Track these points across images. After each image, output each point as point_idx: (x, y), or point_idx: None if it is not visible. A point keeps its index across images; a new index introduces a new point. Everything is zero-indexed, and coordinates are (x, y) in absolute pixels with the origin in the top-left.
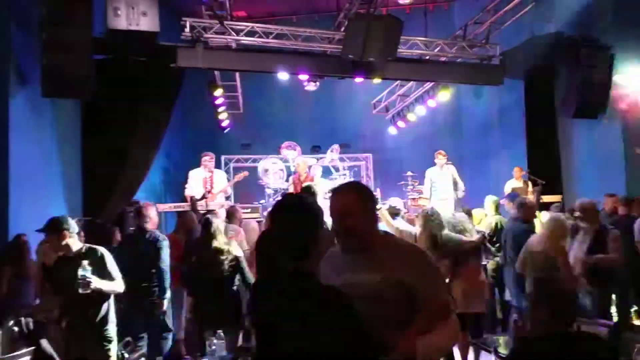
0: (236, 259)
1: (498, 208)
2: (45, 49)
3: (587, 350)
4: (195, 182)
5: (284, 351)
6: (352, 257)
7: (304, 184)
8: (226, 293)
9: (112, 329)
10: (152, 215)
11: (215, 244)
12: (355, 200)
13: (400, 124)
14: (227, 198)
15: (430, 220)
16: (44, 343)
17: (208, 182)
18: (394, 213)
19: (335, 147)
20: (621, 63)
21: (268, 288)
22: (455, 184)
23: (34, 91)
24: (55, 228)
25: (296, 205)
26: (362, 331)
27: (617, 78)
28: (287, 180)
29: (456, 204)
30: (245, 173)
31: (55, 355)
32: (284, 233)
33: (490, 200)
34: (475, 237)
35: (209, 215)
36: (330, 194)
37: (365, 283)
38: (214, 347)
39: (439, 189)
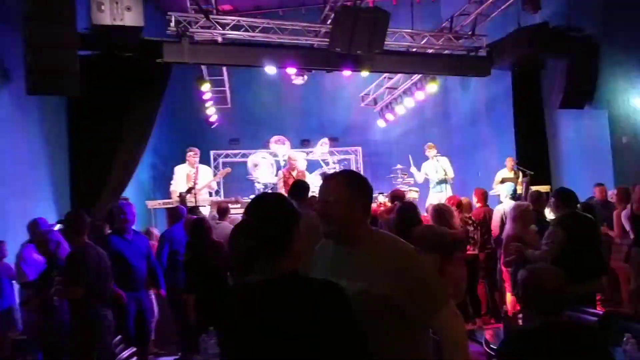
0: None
1: (487, 199)
2: (28, 45)
3: (577, 339)
4: (180, 178)
5: (272, 352)
6: (337, 256)
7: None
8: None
9: None
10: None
11: (209, 240)
12: (339, 186)
13: (389, 116)
14: (216, 193)
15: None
16: None
17: (192, 178)
18: None
19: (325, 140)
20: (606, 52)
21: (252, 291)
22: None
23: (19, 89)
24: None
25: (272, 200)
26: (359, 328)
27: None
28: (276, 175)
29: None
30: (228, 170)
31: None
32: (261, 226)
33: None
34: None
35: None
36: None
37: (347, 291)
38: (205, 345)
39: (433, 181)
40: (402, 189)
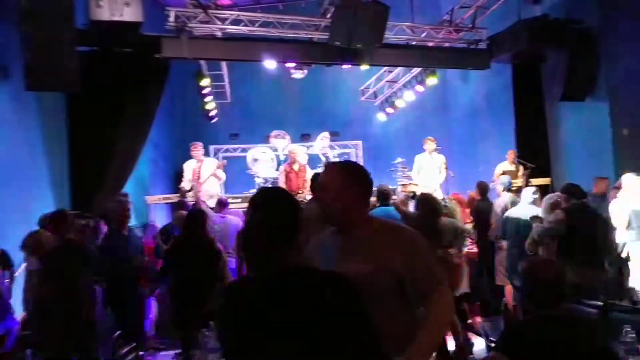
0: (218, 252)
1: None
2: (27, 42)
3: (575, 332)
4: (188, 174)
5: (283, 346)
6: (340, 244)
7: None
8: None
9: None
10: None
11: (198, 236)
12: (336, 176)
13: (389, 110)
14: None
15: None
16: None
17: (196, 172)
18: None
19: (325, 135)
20: (607, 44)
21: (265, 283)
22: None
23: (18, 85)
24: None
25: (277, 193)
26: (368, 315)
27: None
28: (277, 169)
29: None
30: (224, 162)
31: None
32: (272, 220)
33: None
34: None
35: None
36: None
37: (356, 273)
38: (205, 340)
39: (426, 175)
40: (402, 183)
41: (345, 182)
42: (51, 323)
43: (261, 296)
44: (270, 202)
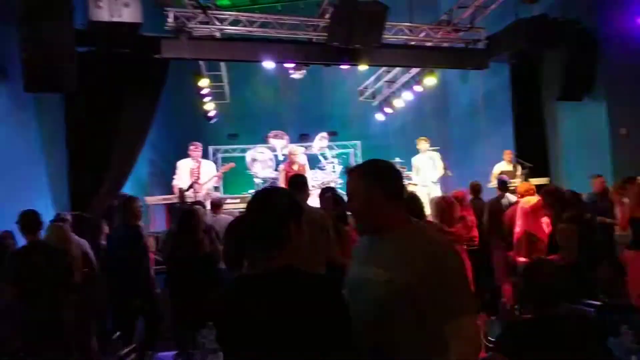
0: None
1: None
2: (25, 42)
3: (574, 331)
4: (183, 173)
5: (263, 349)
6: (368, 246)
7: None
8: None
9: None
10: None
11: (193, 236)
12: (357, 181)
13: (388, 110)
14: (216, 189)
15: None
16: None
17: (195, 173)
18: None
19: (324, 135)
20: (605, 44)
21: (246, 285)
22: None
23: (16, 85)
24: None
25: (269, 195)
26: (347, 324)
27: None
28: (275, 170)
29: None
30: (232, 164)
31: None
32: (254, 220)
33: None
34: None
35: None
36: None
37: (372, 280)
38: (203, 340)
39: (424, 174)
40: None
41: (368, 184)
42: (10, 326)
43: (243, 296)
44: (257, 203)
